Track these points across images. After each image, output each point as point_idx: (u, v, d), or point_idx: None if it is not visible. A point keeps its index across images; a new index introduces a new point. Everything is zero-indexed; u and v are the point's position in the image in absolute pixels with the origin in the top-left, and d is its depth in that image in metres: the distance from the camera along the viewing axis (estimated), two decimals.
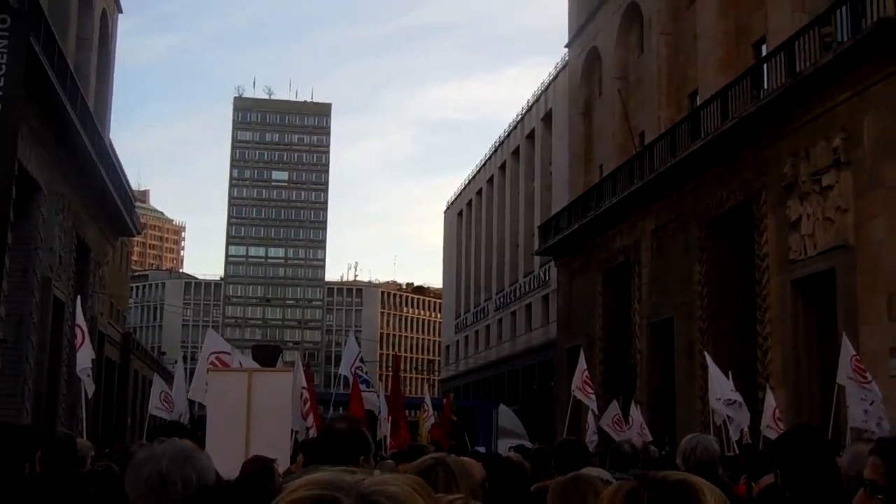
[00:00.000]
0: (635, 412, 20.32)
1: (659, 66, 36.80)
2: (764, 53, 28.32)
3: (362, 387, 16.05)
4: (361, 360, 16.83)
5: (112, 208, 35.40)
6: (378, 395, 17.88)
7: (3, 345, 22.22)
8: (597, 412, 19.64)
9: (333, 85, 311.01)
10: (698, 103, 31.78)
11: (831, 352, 16.74)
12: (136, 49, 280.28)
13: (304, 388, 13.88)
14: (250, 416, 9.16)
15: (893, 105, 20.83)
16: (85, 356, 13.54)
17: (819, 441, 4.11)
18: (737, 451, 12.79)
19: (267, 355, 17.74)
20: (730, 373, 16.17)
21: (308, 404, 14.00)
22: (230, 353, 13.22)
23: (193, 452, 3.03)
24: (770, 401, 16.51)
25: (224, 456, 6.52)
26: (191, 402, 14.56)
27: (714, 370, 15.57)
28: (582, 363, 18.66)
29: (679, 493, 1.76)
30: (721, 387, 15.15)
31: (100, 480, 6.33)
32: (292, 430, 11.49)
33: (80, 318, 13.80)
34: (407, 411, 21.73)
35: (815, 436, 4.23)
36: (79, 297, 15.33)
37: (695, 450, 5.97)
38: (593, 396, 18.78)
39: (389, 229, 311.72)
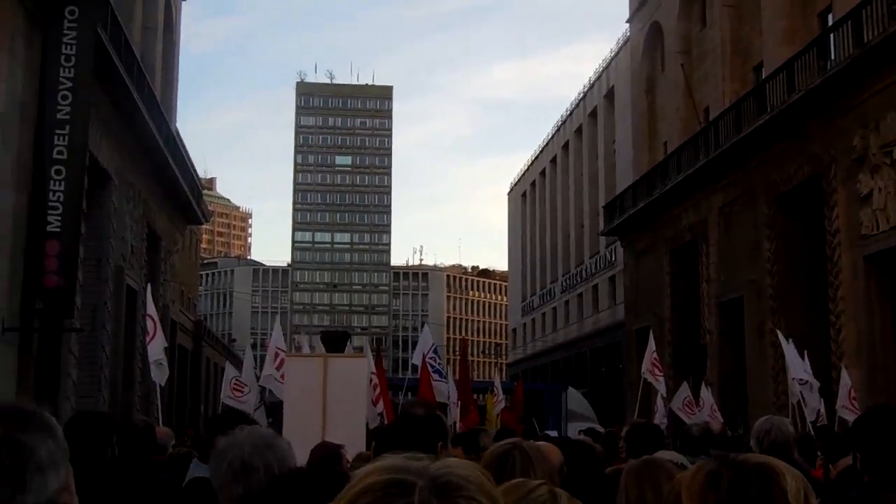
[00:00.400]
0: (706, 394, 20.09)
1: (722, 39, 36.25)
2: (830, 23, 27.75)
3: (435, 376, 16.12)
4: (435, 352, 16.97)
5: (181, 197, 35.88)
6: (447, 382, 17.90)
7: (80, 333, 22.67)
8: (665, 395, 19.45)
9: (392, 67, 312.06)
10: (763, 76, 31.28)
11: None
12: (198, 35, 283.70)
13: (373, 373, 13.94)
14: (326, 401, 9.24)
15: None
16: (157, 347, 13.70)
17: None
18: (812, 433, 12.58)
19: (336, 341, 17.78)
20: (805, 352, 15.88)
21: (378, 390, 14.09)
22: (285, 351, 13.70)
23: (274, 440, 3.08)
24: (845, 380, 16.23)
25: (301, 441, 6.59)
26: (263, 389, 14.70)
27: (788, 349, 15.33)
28: (651, 345, 18.49)
29: (760, 475, 1.76)
30: (795, 366, 14.91)
31: (181, 465, 6.45)
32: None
33: (151, 308, 13.95)
34: (476, 395, 21.75)
35: (895, 417, 4.14)
36: (149, 285, 15.49)
37: (769, 432, 5.90)
38: (662, 379, 18.60)
39: (453, 212, 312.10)
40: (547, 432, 20.64)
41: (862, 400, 18.67)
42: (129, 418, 16.35)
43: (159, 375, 13.78)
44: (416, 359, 17.61)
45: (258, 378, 14.76)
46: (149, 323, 13.64)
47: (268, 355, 13.16)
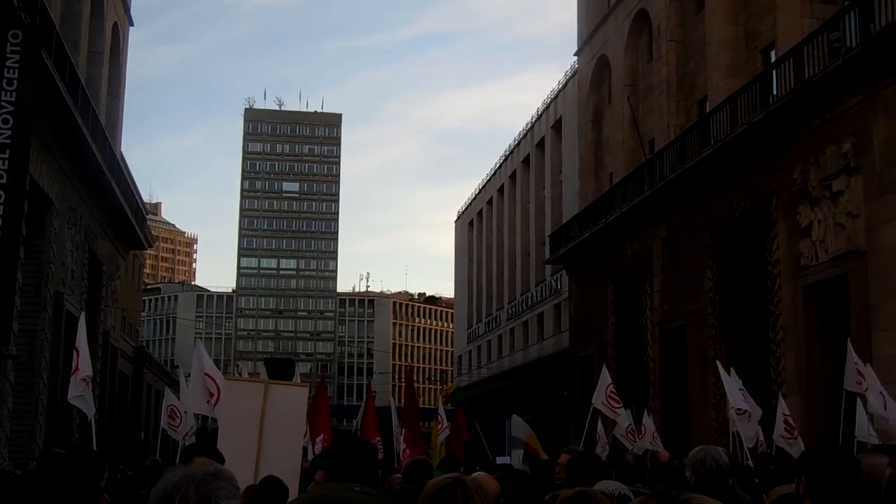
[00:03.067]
0: (648, 421, 20.23)
1: (668, 73, 36.78)
2: (773, 59, 28.29)
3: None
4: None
5: (124, 221, 35.50)
6: (391, 408, 17.90)
7: (16, 360, 22.27)
8: (629, 423, 19.45)
9: (342, 95, 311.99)
10: (708, 110, 31.76)
11: (844, 358, 16.68)
12: (146, 60, 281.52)
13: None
14: (263, 428, 9.14)
15: None
16: (76, 383, 13.20)
17: (848, 456, 4.13)
18: (749, 461, 12.70)
19: (281, 368, 17.74)
20: (739, 381, 16.05)
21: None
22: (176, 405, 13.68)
23: (212, 477, 3.02)
24: (783, 408, 16.45)
25: (234, 466, 6.53)
26: (204, 418, 14.54)
27: (727, 380, 15.49)
28: (606, 377, 18.48)
29: None
30: (734, 396, 15.07)
31: (152, 478, 6.36)
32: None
33: (80, 339, 13.49)
34: (422, 423, 21.70)
35: (844, 451, 4.26)
36: (83, 315, 15.12)
37: (703, 461, 5.95)
38: (620, 411, 18.57)
39: (400, 239, 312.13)
40: (498, 460, 20.61)
41: (801, 427, 18.93)
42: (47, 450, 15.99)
43: (87, 408, 13.47)
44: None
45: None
46: (74, 356, 13.25)
47: (192, 380, 12.79)
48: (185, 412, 15.57)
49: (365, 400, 16.70)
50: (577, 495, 3.47)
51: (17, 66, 19.04)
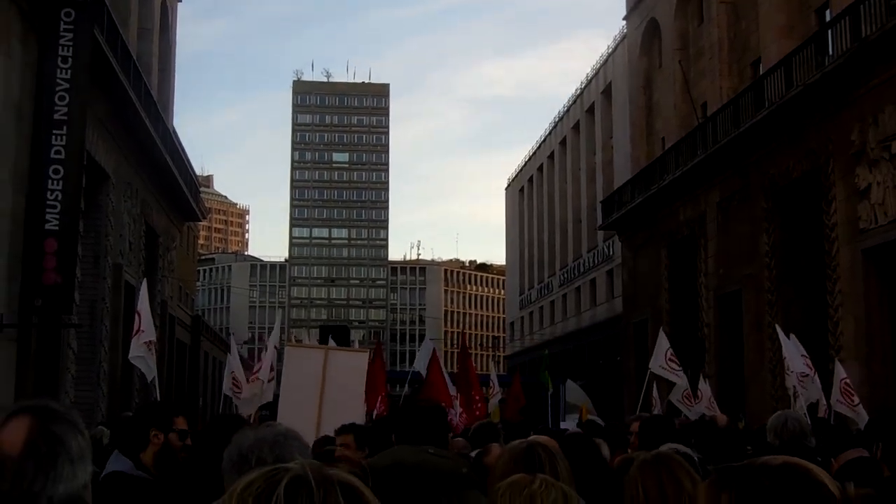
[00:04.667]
0: (704, 386, 20.10)
1: (720, 35, 36.24)
2: (828, 19, 27.76)
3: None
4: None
5: (178, 194, 35.94)
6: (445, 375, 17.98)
7: (78, 329, 22.74)
8: (686, 388, 19.34)
9: (388, 65, 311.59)
10: (761, 72, 31.28)
11: None
12: (195, 35, 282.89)
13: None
14: (323, 393, 9.23)
15: None
16: (138, 345, 13.36)
17: None
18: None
19: (336, 336, 17.89)
20: (797, 344, 15.81)
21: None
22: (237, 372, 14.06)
23: (284, 438, 3.10)
24: (840, 373, 16.25)
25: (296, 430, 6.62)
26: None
27: (786, 343, 15.31)
28: (664, 342, 18.35)
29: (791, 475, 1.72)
30: (793, 360, 14.89)
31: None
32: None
33: (142, 304, 13.67)
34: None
35: None
36: (144, 281, 15.31)
37: (785, 424, 5.99)
38: (680, 373, 18.39)
39: (451, 207, 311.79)
40: (562, 424, 20.65)
41: (860, 394, 18.69)
42: (118, 413, 16.24)
43: (147, 370, 13.61)
44: (418, 366, 18.08)
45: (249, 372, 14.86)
46: (136, 318, 13.43)
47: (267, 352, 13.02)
48: (242, 380, 15.79)
49: (430, 363, 16.76)
50: (655, 458, 3.46)
51: (70, 44, 19.33)
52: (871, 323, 23.53)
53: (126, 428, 4.85)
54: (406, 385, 20.41)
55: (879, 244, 23.19)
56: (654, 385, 20.38)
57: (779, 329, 16.40)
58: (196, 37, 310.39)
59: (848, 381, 15.75)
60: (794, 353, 14.85)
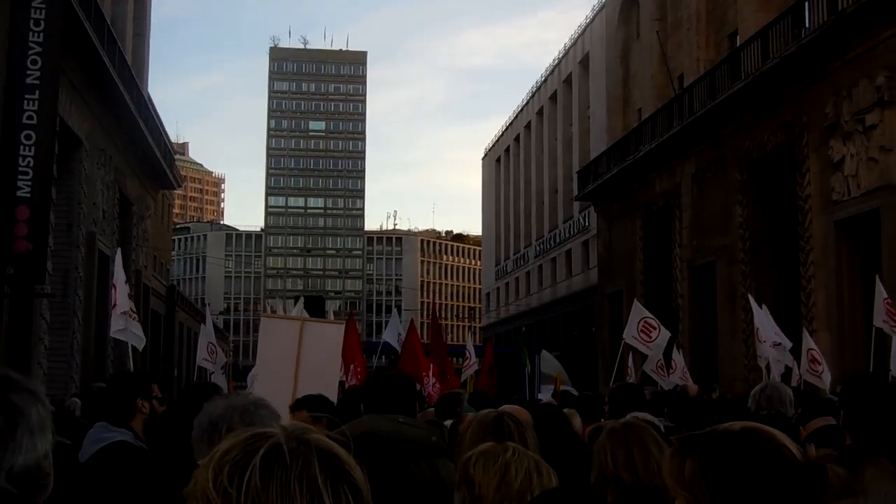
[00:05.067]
0: (678, 356, 20.24)
1: (697, 6, 36.22)
2: None
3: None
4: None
5: (152, 161, 35.65)
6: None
7: (51, 299, 22.57)
8: (659, 359, 19.41)
9: (365, 33, 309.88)
10: (738, 44, 31.31)
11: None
12: (170, 0, 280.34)
13: None
14: (299, 365, 9.19)
15: None
16: (117, 318, 13.23)
17: (886, 387, 4.12)
18: None
19: (312, 306, 17.87)
20: (768, 314, 15.93)
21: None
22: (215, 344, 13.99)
23: (254, 407, 3.10)
24: (808, 343, 16.41)
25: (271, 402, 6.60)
26: (235, 353, 14.74)
27: (759, 313, 15.43)
28: (638, 311, 18.33)
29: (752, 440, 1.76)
30: (765, 330, 15.01)
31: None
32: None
33: (117, 276, 13.50)
34: (453, 360, 21.84)
35: (882, 383, 4.25)
36: (118, 251, 15.11)
37: (763, 391, 6.10)
38: (654, 343, 18.36)
39: (427, 177, 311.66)
40: (539, 396, 20.75)
41: (830, 363, 18.87)
42: (87, 385, 16.16)
43: (136, 340, 13.48)
44: (388, 337, 18.21)
45: (227, 342, 14.87)
46: (112, 292, 13.27)
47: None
48: (217, 349, 15.78)
49: (407, 333, 16.78)
50: (624, 427, 3.49)
51: (42, 6, 19.03)
52: (842, 293, 23.76)
53: (111, 398, 4.82)
54: (378, 355, 20.42)
55: (852, 216, 23.37)
56: (630, 355, 20.51)
57: (751, 299, 16.55)
58: (171, 1, 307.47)
59: (815, 350, 15.93)
60: (766, 323, 14.98)
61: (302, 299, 14.67)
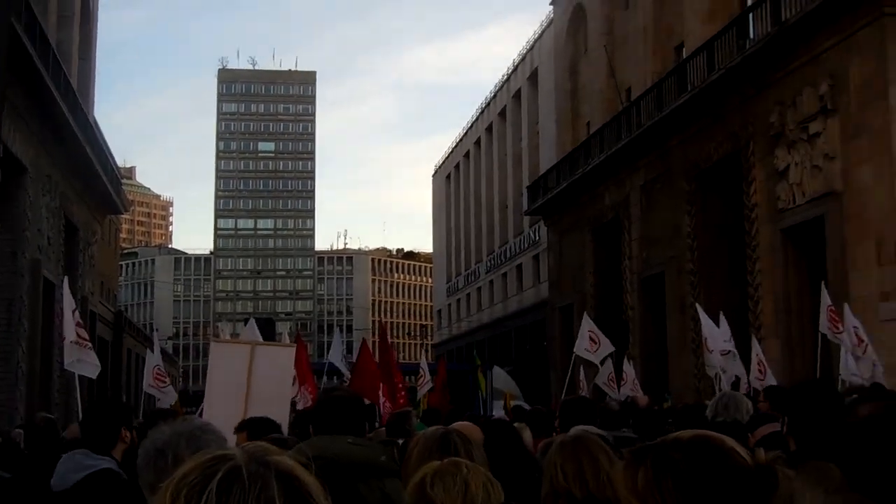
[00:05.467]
0: (628, 368, 20.36)
1: (644, 19, 36.59)
2: (749, 2, 28.17)
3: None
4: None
5: (99, 187, 35.21)
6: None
7: None
8: (610, 371, 19.45)
9: (314, 52, 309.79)
10: (684, 56, 31.65)
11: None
12: (116, 23, 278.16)
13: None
14: (250, 389, 9.08)
15: (878, 51, 20.79)
16: (69, 349, 12.92)
17: (832, 394, 4.15)
18: None
19: (262, 328, 17.69)
20: (722, 320, 16.02)
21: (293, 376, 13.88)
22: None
23: (200, 432, 3.06)
24: (756, 350, 16.56)
25: (221, 427, 6.49)
26: (185, 378, 14.52)
27: (706, 321, 15.52)
28: (587, 324, 18.36)
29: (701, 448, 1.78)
30: (714, 338, 15.10)
31: (48, 436, 6.30)
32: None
33: (65, 304, 13.12)
34: (406, 377, 21.75)
35: (829, 389, 4.28)
36: (65, 280, 14.80)
37: (720, 400, 6.17)
38: (603, 351, 18.35)
39: (377, 195, 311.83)
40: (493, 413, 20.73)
41: (779, 370, 19.06)
42: (32, 416, 15.88)
43: (90, 371, 13.17)
44: (332, 358, 18.23)
45: (176, 367, 14.65)
46: (59, 321, 12.99)
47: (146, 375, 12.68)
48: (166, 374, 15.57)
49: (359, 354, 16.67)
50: (574, 440, 3.46)
51: None
52: (790, 301, 24.02)
53: (94, 425, 4.72)
54: (324, 376, 20.27)
55: (798, 223, 23.65)
56: (582, 369, 20.55)
57: (699, 308, 16.64)
58: (118, 24, 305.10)
59: (761, 357, 16.09)
60: (714, 332, 15.06)
61: (252, 321, 14.48)
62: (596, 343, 17.80)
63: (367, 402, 14.22)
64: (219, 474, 1.31)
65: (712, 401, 6.60)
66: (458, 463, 2.95)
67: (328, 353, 20.64)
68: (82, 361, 12.97)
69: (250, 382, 9.12)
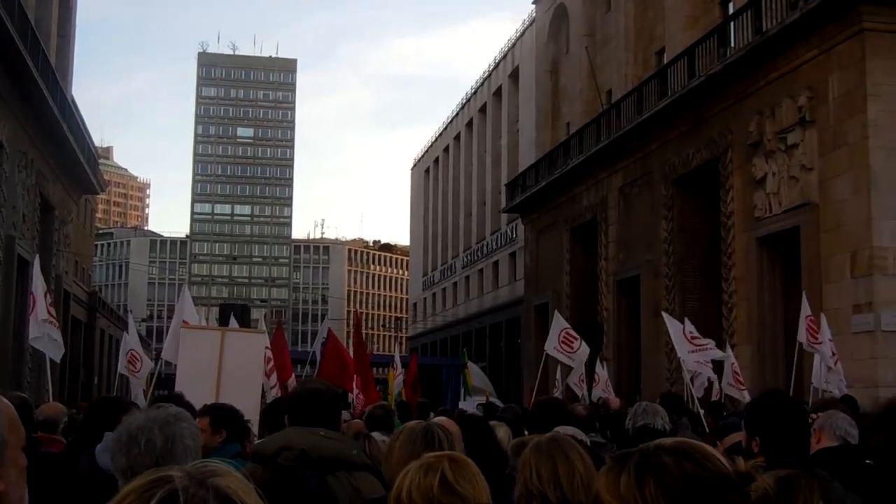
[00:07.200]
0: (601, 370, 20.44)
1: (626, 23, 36.71)
2: (731, 11, 28.32)
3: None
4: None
5: (75, 165, 35.00)
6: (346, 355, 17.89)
7: None
8: (581, 372, 19.46)
9: (295, 39, 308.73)
10: (665, 61, 31.79)
11: (795, 309, 16.90)
12: (97, 2, 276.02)
13: (267, 347, 13.68)
14: (221, 375, 9.10)
15: (858, 64, 20.96)
16: (36, 324, 12.78)
17: (793, 406, 4.19)
18: (699, 411, 12.84)
19: (237, 316, 17.69)
20: (684, 328, 15.90)
21: (271, 363, 13.87)
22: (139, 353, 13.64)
23: (174, 419, 3.08)
24: (730, 357, 16.66)
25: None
26: (157, 360, 14.43)
27: (673, 330, 15.39)
28: (560, 322, 18.32)
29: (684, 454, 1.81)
30: (679, 346, 15.06)
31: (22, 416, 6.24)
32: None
33: (36, 285, 12.98)
34: (379, 370, 21.80)
35: (789, 401, 4.32)
36: (37, 258, 14.62)
37: (639, 407, 6.29)
38: (575, 354, 18.34)
39: (356, 185, 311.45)
40: (462, 406, 20.75)
41: (751, 378, 19.20)
42: (3, 395, 15.73)
43: (53, 351, 13.05)
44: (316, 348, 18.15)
45: (150, 349, 14.55)
46: (30, 300, 12.85)
47: (174, 322, 12.34)
48: (142, 357, 15.46)
49: (324, 343, 16.68)
50: (550, 441, 3.49)
51: None
52: (763, 309, 24.20)
53: (97, 421, 4.69)
54: (307, 365, 20.27)
55: (774, 232, 23.83)
56: (558, 368, 20.57)
57: (666, 316, 16.60)
58: (98, 3, 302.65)
59: (736, 365, 16.17)
60: (680, 340, 15.04)
61: (216, 310, 14.45)
62: (568, 344, 17.78)
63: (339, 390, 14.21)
64: (155, 498, 1.31)
65: (632, 409, 6.81)
66: (462, 457, 2.95)
67: (301, 341, 20.62)
68: (48, 338, 12.75)
69: (221, 368, 9.15)
